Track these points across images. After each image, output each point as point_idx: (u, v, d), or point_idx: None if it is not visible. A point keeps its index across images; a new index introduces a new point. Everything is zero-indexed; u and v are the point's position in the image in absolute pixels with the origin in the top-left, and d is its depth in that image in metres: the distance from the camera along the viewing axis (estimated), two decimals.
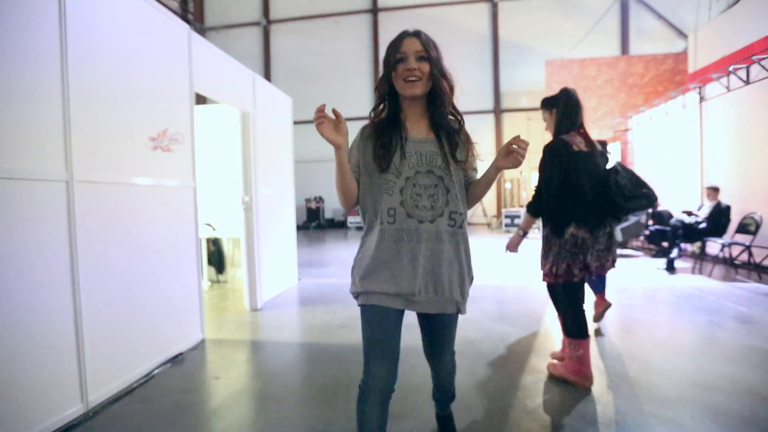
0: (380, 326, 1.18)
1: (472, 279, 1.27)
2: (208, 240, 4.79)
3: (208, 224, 4.59)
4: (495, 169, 1.16)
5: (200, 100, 3.13)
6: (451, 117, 1.24)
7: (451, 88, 1.20)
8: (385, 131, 1.19)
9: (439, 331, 1.32)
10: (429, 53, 1.16)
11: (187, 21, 13.75)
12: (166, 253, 2.56)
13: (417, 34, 1.18)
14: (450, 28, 13.24)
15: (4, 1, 1.59)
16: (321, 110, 1.06)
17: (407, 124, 1.21)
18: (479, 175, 1.27)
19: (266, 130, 4.03)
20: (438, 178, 1.17)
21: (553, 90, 12.78)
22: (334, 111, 1.11)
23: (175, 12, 13.25)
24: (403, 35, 1.20)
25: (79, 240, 1.88)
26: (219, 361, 2.54)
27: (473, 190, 1.25)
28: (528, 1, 13.04)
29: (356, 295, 1.24)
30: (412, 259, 1.14)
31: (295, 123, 5.06)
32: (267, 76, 14.19)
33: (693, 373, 2.20)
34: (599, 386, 2.06)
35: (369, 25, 13.96)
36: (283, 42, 14.39)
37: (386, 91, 1.22)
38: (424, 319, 1.31)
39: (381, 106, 1.25)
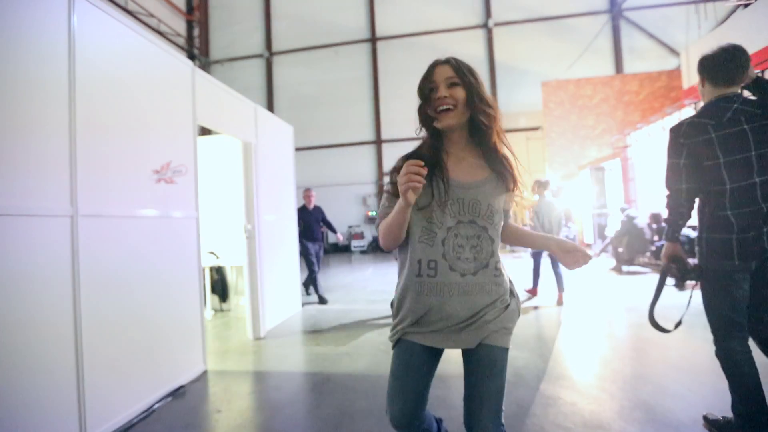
0: (403, 357, 1.14)
1: (518, 311, 1.15)
2: (211, 268, 4.80)
3: (212, 252, 4.61)
4: (546, 248, 1.15)
5: (204, 131, 3.23)
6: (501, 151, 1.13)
7: (493, 116, 1.09)
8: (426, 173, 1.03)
9: (480, 376, 1.07)
10: (462, 78, 1.06)
11: (193, 55, 14.27)
12: (168, 284, 2.56)
13: (447, 60, 1.10)
14: (446, 54, 13.59)
15: (14, 39, 1.67)
16: (420, 172, 0.93)
17: (449, 163, 1.09)
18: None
19: (268, 158, 4.11)
20: (481, 228, 1.08)
21: (550, 110, 12.96)
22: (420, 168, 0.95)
23: (181, 47, 13.79)
24: (434, 64, 1.11)
25: (82, 274, 1.90)
26: (221, 394, 2.50)
27: (509, 236, 1.22)
28: (521, 25, 13.47)
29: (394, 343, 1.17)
30: (449, 306, 1.07)
31: (298, 149, 5.17)
32: (270, 105, 14.57)
33: (708, 395, 2.12)
34: (611, 412, 1.99)
35: (368, 54, 14.41)
36: (285, 72, 14.85)
37: (425, 124, 1.13)
38: (466, 363, 1.12)
39: (422, 130, 1.15)
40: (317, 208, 5.38)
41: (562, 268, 4.44)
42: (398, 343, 1.14)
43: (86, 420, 1.85)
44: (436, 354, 1.13)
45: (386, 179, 1.21)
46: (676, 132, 1.68)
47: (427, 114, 1.10)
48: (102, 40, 2.13)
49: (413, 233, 1.09)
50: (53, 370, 1.75)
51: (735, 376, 1.71)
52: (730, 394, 1.73)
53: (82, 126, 1.94)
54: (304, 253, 5.08)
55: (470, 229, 1.07)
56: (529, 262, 5.13)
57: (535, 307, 4.39)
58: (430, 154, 1.09)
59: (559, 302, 4.45)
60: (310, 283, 5.25)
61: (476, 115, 1.08)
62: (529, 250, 8.73)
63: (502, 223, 1.15)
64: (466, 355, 1.11)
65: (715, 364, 2.59)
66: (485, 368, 1.07)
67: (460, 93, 1.06)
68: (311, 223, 5.19)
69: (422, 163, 0.93)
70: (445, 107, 1.05)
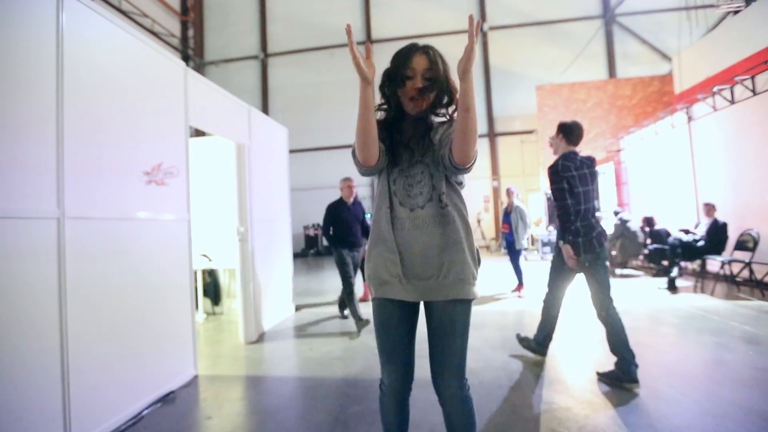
0: (385, 325, 1.24)
1: (478, 260, 1.24)
2: (203, 271, 4.74)
3: (204, 255, 4.55)
4: (461, 81, 1.06)
5: (198, 132, 3.19)
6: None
7: (456, 93, 1.20)
8: (386, 134, 1.23)
9: (441, 329, 1.18)
10: (437, 71, 1.17)
11: (187, 56, 14.19)
12: (158, 288, 2.52)
13: (425, 51, 1.18)
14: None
15: (1, 38, 1.64)
16: (349, 31, 1.05)
17: (405, 124, 1.26)
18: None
19: (262, 160, 4.07)
20: (425, 165, 1.21)
21: (545, 113, 13.02)
22: (366, 47, 1.11)
23: (175, 48, 13.70)
24: (411, 50, 1.20)
25: (69, 277, 1.85)
26: (212, 399, 2.45)
27: (455, 137, 1.10)
28: (516, 29, 13.56)
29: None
30: (405, 244, 1.18)
31: (293, 151, 5.12)
32: (265, 107, 14.51)
33: (702, 399, 2.12)
34: (606, 417, 1.98)
35: (363, 56, 14.40)
36: (281, 74, 14.80)
37: (391, 98, 1.24)
38: (428, 317, 1.23)
39: (385, 106, 1.28)
40: (358, 204, 4.28)
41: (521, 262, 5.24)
42: (373, 301, 1.26)
43: (71, 427, 1.81)
44: (412, 311, 1.24)
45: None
46: (555, 168, 2.51)
47: (394, 92, 1.22)
48: (91, 39, 2.09)
49: (381, 183, 1.25)
50: (37, 376, 1.70)
51: (617, 330, 2.39)
52: (613, 347, 2.38)
53: (70, 126, 1.91)
54: (339, 263, 3.97)
55: (417, 167, 1.22)
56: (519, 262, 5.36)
57: (525, 310, 4.39)
58: (392, 120, 1.26)
59: (519, 291, 5.15)
60: (347, 302, 3.93)
61: (442, 96, 1.21)
62: (503, 249, 9.24)
63: (446, 150, 1.17)
64: (427, 312, 1.23)
65: (708, 368, 2.61)
66: (445, 327, 1.18)
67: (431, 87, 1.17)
68: (350, 222, 4.08)
69: (350, 27, 1.08)
70: (418, 98, 1.17)
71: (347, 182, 4.27)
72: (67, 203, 1.87)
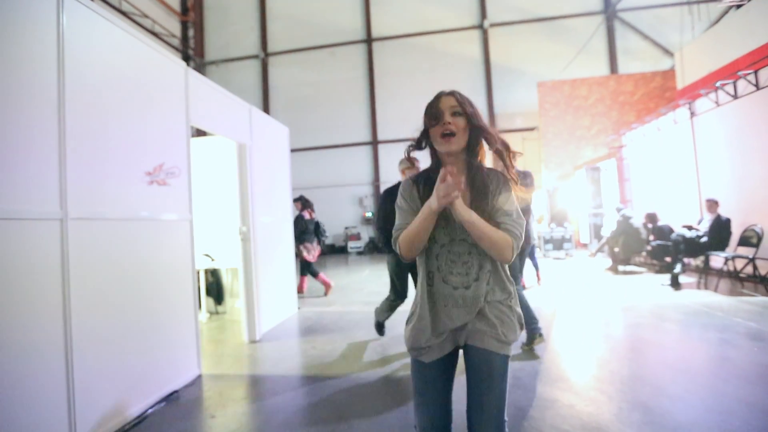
0: (421, 373, 1.20)
1: (521, 325, 1.21)
2: (206, 271, 4.75)
3: (207, 255, 4.57)
4: (433, 214, 1.09)
5: (200, 132, 3.20)
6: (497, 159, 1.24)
7: (496, 141, 1.20)
8: (426, 193, 1.16)
9: (478, 381, 1.14)
10: (464, 108, 1.17)
11: (188, 56, 14.20)
12: (162, 288, 2.52)
13: (452, 93, 1.20)
14: (442, 55, 13.65)
15: (2, 39, 1.64)
16: (459, 182, 1.04)
17: None
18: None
19: (263, 160, 4.08)
20: (471, 245, 1.15)
21: (546, 110, 12.99)
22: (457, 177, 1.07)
23: (176, 48, 13.71)
24: (439, 95, 1.21)
25: (73, 277, 1.86)
26: (216, 399, 2.46)
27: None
28: (517, 26, 13.50)
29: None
30: (446, 320, 1.15)
31: (294, 151, 5.13)
32: (265, 106, 14.52)
33: (706, 396, 2.11)
34: (609, 414, 1.98)
35: (364, 55, 14.40)
36: (281, 73, 14.80)
37: (429, 147, 1.23)
38: (467, 371, 1.20)
39: (418, 145, 1.25)
40: None
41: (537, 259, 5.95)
42: (413, 361, 1.22)
43: (76, 427, 1.82)
44: (449, 363, 1.20)
45: (400, 198, 1.25)
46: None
47: (428, 138, 1.21)
48: (92, 40, 2.09)
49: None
50: (43, 376, 1.71)
51: (524, 304, 2.88)
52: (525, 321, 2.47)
53: (72, 127, 1.91)
54: (395, 273, 3.22)
55: (461, 246, 1.16)
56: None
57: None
58: (432, 176, 1.17)
59: (539, 280, 5.82)
60: (382, 316, 3.37)
61: (476, 139, 1.19)
62: None
63: None
64: (467, 362, 1.18)
65: (712, 365, 2.60)
66: (484, 375, 1.13)
67: (461, 122, 1.16)
68: None
69: (457, 174, 1.03)
70: (447, 133, 1.15)
71: (409, 163, 2.98)
72: (70, 204, 1.88)
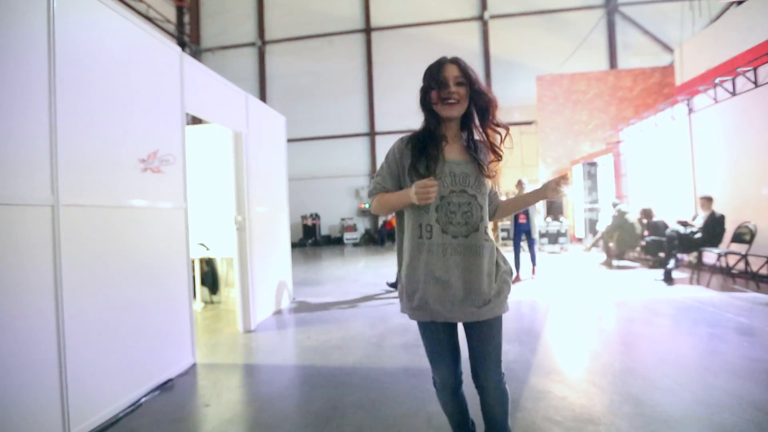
0: (434, 337, 1.34)
1: (507, 283, 1.33)
2: (201, 260, 4.73)
3: (202, 244, 4.54)
4: (537, 198, 1.30)
5: (196, 120, 3.16)
6: (493, 132, 1.32)
7: (493, 104, 1.28)
8: (422, 151, 1.27)
9: (482, 341, 1.31)
10: (466, 77, 1.25)
11: (183, 43, 13.96)
12: (156, 276, 2.50)
13: (454, 61, 1.27)
14: (441, 47, 13.51)
15: None
16: (435, 189, 1.17)
17: (444, 145, 1.30)
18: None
19: (259, 149, 4.03)
20: (471, 196, 1.27)
21: (545, 104, 12.95)
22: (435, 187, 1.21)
23: (171, 34, 13.48)
24: (443, 62, 1.27)
25: (64, 265, 1.84)
26: (210, 387, 2.46)
27: (507, 207, 1.43)
28: (517, 18, 13.39)
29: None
30: (447, 271, 1.24)
31: (291, 141, 5.08)
32: (262, 95, 14.36)
33: (696, 389, 2.14)
34: (601, 406, 2.00)
35: (362, 45, 14.24)
36: (278, 62, 14.62)
37: (427, 110, 1.30)
38: (468, 331, 1.35)
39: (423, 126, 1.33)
40: None
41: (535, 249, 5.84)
42: (419, 323, 1.35)
43: (69, 415, 1.81)
44: (453, 325, 1.34)
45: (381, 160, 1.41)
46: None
47: (431, 102, 1.28)
48: (84, 23, 2.04)
49: (409, 206, 1.28)
50: (34, 365, 1.70)
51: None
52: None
53: (63, 111, 1.87)
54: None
55: (461, 197, 1.26)
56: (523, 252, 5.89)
57: (523, 300, 4.41)
58: (430, 135, 1.30)
59: (533, 274, 5.71)
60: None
61: (476, 104, 1.28)
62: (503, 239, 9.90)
63: (488, 195, 1.33)
64: (467, 326, 1.33)
65: (704, 358, 2.64)
66: (485, 336, 1.31)
67: (463, 90, 1.25)
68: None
69: (436, 183, 1.16)
70: (452, 101, 1.25)
71: None
72: (62, 190, 1.84)
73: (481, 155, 1.31)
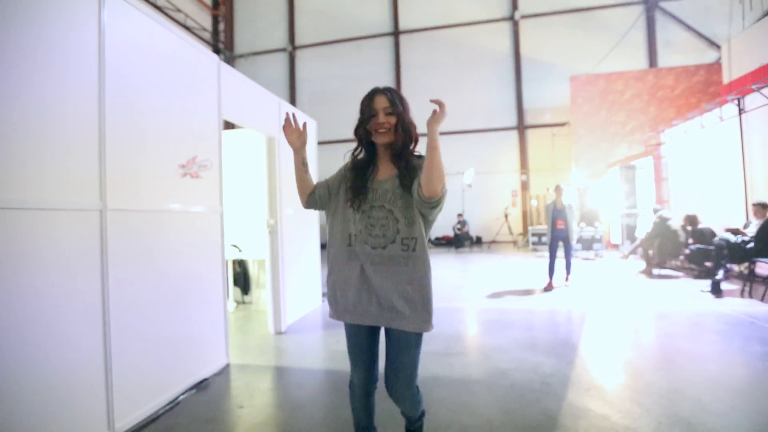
0: (355, 340, 1.47)
1: (427, 299, 1.37)
2: (233, 261, 4.86)
3: (235, 246, 4.66)
4: (432, 139, 1.25)
5: (227, 125, 3.25)
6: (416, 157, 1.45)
7: (414, 138, 1.44)
8: (359, 174, 1.45)
9: (397, 351, 1.41)
10: (394, 108, 1.38)
11: (218, 49, 14.48)
12: (192, 278, 2.58)
13: (385, 91, 1.41)
14: (471, 48, 13.35)
15: (46, 35, 1.69)
16: (288, 118, 1.47)
17: (379, 165, 1.46)
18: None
19: (291, 153, 4.09)
20: (388, 211, 1.38)
21: (579, 105, 12.54)
22: (304, 125, 1.53)
23: (207, 41, 14.01)
24: (374, 92, 1.43)
25: (110, 267, 1.92)
26: (243, 389, 2.51)
27: (424, 173, 1.28)
28: (549, 18, 13.01)
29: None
30: (368, 278, 1.37)
31: (320, 143, 5.13)
32: (292, 99, 14.66)
33: (753, 415, 1.98)
34: (647, 428, 1.88)
35: (391, 48, 14.27)
36: (308, 66, 14.88)
37: (363, 137, 1.46)
38: (387, 339, 1.45)
39: (359, 149, 1.50)
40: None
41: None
42: (345, 325, 1.49)
43: (114, 411, 1.89)
44: (374, 330, 1.47)
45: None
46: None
47: (365, 130, 1.44)
48: (131, 36, 2.14)
49: (339, 216, 1.46)
50: (81, 363, 1.78)
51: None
52: None
53: (111, 121, 1.96)
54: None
55: (380, 211, 1.39)
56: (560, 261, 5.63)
57: (558, 310, 4.25)
58: (366, 160, 1.49)
59: (566, 281, 5.58)
60: None
61: (400, 134, 1.40)
62: (531, 244, 9.70)
63: (411, 205, 1.37)
64: (387, 335, 1.44)
65: (758, 380, 2.44)
66: (401, 347, 1.40)
67: (392, 120, 1.39)
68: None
69: (294, 115, 1.51)
70: (382, 130, 1.40)
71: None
72: (109, 196, 1.93)
73: (412, 172, 1.38)
